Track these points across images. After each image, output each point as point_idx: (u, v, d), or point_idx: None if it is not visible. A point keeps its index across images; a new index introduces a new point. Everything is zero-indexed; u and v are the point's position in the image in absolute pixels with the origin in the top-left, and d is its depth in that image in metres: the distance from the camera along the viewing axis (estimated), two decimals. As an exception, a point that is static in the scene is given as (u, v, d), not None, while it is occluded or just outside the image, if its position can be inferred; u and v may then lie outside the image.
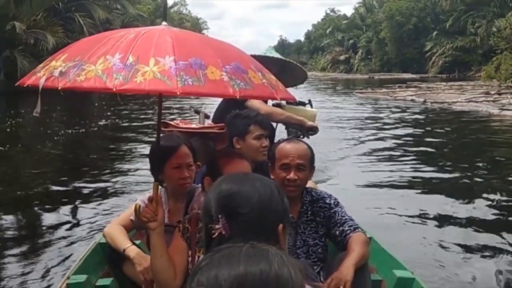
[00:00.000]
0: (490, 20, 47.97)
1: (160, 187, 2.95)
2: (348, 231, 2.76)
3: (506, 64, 30.99)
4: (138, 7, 48.48)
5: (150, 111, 20.14)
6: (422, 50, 59.63)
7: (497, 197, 7.35)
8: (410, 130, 14.31)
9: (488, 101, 21.43)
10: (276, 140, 3.87)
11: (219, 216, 1.41)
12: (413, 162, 9.95)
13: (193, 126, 3.71)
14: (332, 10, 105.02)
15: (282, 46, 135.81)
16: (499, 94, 24.15)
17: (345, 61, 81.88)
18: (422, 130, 14.43)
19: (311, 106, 4.86)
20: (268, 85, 2.30)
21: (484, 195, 7.40)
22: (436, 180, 8.53)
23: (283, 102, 4.59)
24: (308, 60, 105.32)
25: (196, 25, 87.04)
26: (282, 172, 2.81)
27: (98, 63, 2.12)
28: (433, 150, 11.57)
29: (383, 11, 65.65)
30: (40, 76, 2.26)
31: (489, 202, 7.07)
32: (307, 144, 2.96)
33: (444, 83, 35.91)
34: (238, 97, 2.15)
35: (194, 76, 2.03)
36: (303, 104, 4.84)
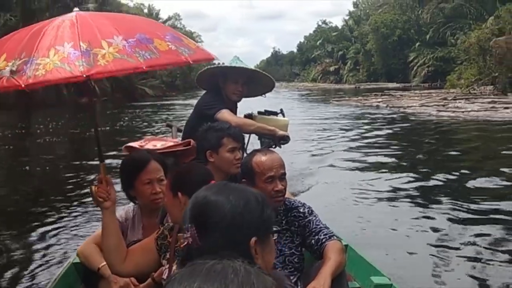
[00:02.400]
0: (467, 32, 51.88)
1: (132, 204, 3.13)
2: (323, 240, 2.79)
3: (467, 74, 35.30)
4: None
5: (138, 119, 23.16)
6: (406, 60, 63.37)
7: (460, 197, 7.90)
8: (368, 131, 17.43)
9: (438, 105, 25.59)
10: (248, 151, 3.95)
11: (189, 225, 1.42)
12: (381, 164, 11.08)
13: (159, 146, 3.72)
14: (324, 22, 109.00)
15: (276, 57, 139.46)
16: (455, 100, 28.31)
17: (335, 71, 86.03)
18: (379, 130, 17.69)
19: (283, 115, 4.83)
20: (200, 47, 2.61)
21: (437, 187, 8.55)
22: (397, 180, 9.30)
23: (255, 112, 4.66)
24: (301, 71, 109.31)
25: (190, 39, 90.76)
26: (268, 185, 2.81)
27: (50, 55, 2.15)
28: (389, 149, 13.59)
29: (369, 23, 69.67)
30: None
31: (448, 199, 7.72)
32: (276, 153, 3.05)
33: (418, 91, 40.07)
34: (191, 63, 2.44)
35: (148, 50, 2.22)
36: (275, 113, 4.81)
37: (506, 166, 10.04)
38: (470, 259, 5.35)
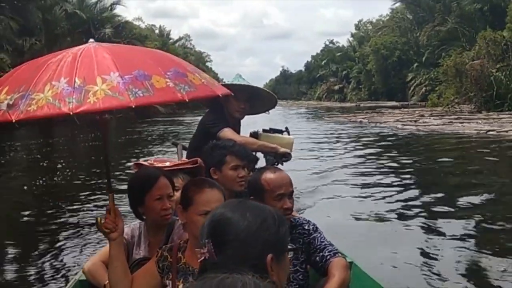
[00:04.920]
0: (460, 54, 55.77)
1: (139, 221, 3.18)
2: (328, 257, 2.85)
3: (448, 93, 39.89)
4: (146, 44, 56.12)
5: (151, 135, 26.94)
6: (405, 80, 67.32)
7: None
8: (350, 144, 20.79)
9: (410, 121, 30.15)
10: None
11: (206, 240, 1.48)
12: (375, 177, 11.97)
13: (167, 164, 3.74)
14: (331, 42, 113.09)
15: (284, 76, 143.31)
16: (431, 116, 32.82)
17: (339, 90, 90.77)
18: (359, 143, 21.57)
19: (288, 134, 4.92)
20: (208, 84, 2.58)
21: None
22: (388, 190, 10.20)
23: (260, 131, 4.80)
24: (308, 90, 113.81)
25: (200, 59, 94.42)
26: (278, 202, 2.86)
27: (45, 90, 2.24)
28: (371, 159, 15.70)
29: (369, 45, 73.98)
30: None
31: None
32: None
33: (407, 110, 44.28)
34: (187, 100, 2.39)
35: (142, 87, 2.25)
36: (280, 131, 4.90)
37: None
38: (476, 275, 5.60)
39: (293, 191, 2.97)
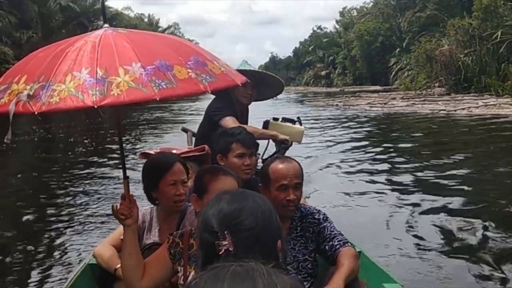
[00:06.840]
0: (438, 39, 58.69)
1: (150, 206, 3.25)
2: (337, 246, 2.91)
3: (420, 77, 43.36)
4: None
5: (154, 122, 29.66)
6: (388, 65, 70.09)
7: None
8: (319, 124, 24.20)
9: (380, 103, 33.59)
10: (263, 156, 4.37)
11: (225, 232, 1.49)
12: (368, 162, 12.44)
13: (174, 152, 3.76)
14: (319, 27, 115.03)
15: (274, 62, 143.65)
16: (402, 99, 36.18)
17: (326, 76, 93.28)
18: (334, 124, 24.58)
19: (300, 124, 4.99)
20: (227, 72, 2.57)
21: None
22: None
23: (271, 120, 4.96)
24: (296, 75, 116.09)
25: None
26: (281, 193, 2.91)
27: (67, 81, 2.23)
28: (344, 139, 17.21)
29: (353, 31, 76.70)
30: (5, 102, 2.31)
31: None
32: (297, 162, 3.10)
33: (385, 93, 47.41)
34: (209, 92, 2.42)
35: (165, 79, 2.24)
36: (292, 121, 5.00)
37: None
38: (484, 262, 5.55)
39: (299, 183, 2.99)
